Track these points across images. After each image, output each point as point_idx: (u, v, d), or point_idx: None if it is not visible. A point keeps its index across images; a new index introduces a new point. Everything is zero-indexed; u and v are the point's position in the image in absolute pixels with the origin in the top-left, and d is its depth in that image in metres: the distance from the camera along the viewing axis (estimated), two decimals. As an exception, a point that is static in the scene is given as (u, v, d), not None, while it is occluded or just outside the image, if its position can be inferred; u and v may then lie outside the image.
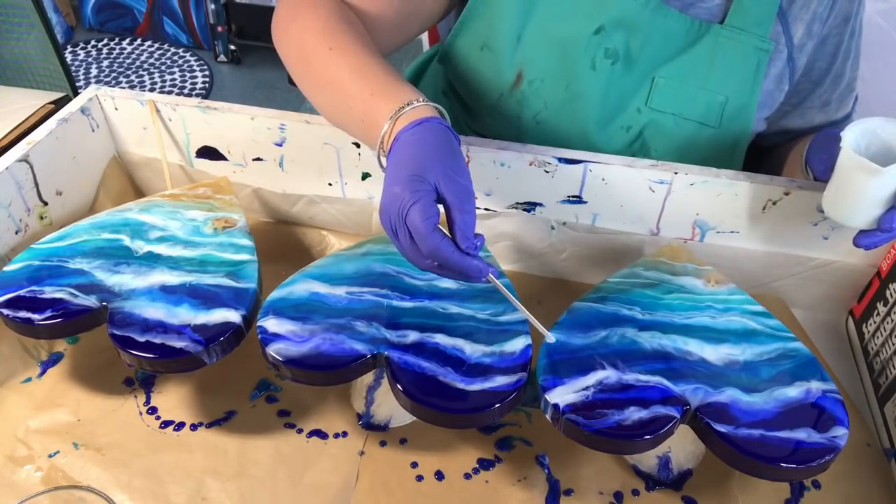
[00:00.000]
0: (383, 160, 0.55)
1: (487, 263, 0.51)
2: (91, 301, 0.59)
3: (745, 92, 0.73)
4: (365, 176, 0.75)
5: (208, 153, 0.78)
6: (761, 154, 0.85)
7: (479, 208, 0.74)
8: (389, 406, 0.61)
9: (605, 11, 0.71)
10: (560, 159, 0.69)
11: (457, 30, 0.77)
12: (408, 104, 0.54)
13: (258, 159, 0.77)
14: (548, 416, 0.53)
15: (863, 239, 0.58)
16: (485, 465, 0.60)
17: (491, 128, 0.79)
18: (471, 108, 0.80)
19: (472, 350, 0.56)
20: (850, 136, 0.58)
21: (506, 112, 0.77)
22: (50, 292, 0.59)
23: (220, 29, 2.58)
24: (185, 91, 2.51)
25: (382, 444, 0.61)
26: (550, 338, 0.57)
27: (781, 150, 0.83)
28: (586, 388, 0.53)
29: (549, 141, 0.75)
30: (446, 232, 0.50)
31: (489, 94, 0.77)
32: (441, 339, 0.57)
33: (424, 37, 1.41)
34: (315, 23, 0.64)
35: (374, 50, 0.62)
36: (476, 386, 0.53)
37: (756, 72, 0.72)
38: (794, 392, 0.54)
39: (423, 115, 0.54)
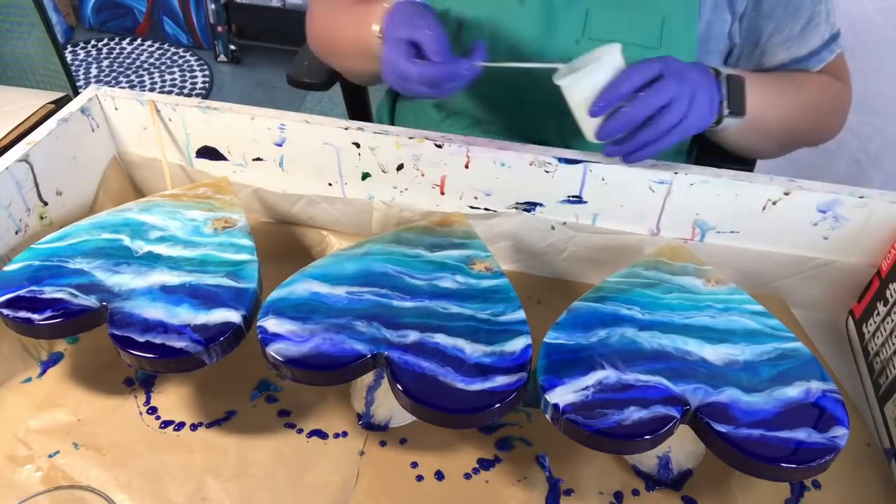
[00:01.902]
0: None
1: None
2: (91, 301, 0.59)
3: (678, 7, 0.73)
4: (365, 176, 0.75)
5: (208, 153, 0.78)
6: None
7: (479, 208, 0.75)
8: (389, 406, 0.61)
9: None
10: (560, 159, 0.69)
11: None
12: None
13: (258, 159, 0.77)
14: (548, 416, 0.53)
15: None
16: (485, 465, 0.60)
17: None
18: None
19: (472, 350, 0.56)
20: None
21: None
22: (50, 292, 0.59)
23: (220, 29, 2.58)
24: (185, 91, 2.51)
25: (382, 444, 0.61)
26: None
27: None
28: (586, 388, 0.53)
29: (495, 85, 0.75)
30: None
31: None
32: (441, 339, 0.57)
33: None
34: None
35: None
36: (476, 386, 0.53)
37: None
38: (794, 392, 0.54)
39: None
